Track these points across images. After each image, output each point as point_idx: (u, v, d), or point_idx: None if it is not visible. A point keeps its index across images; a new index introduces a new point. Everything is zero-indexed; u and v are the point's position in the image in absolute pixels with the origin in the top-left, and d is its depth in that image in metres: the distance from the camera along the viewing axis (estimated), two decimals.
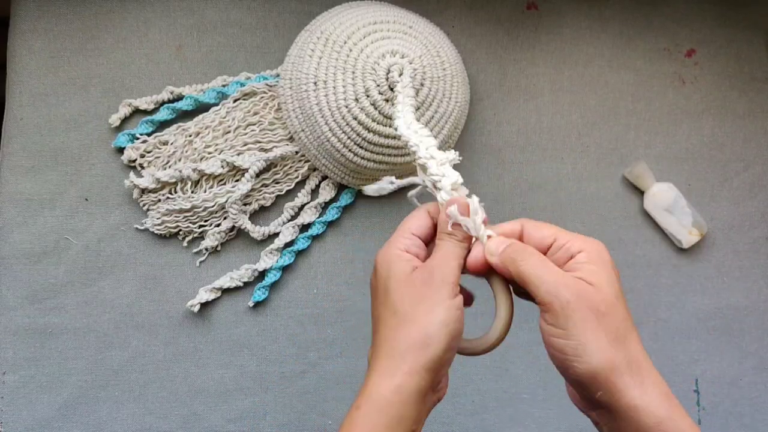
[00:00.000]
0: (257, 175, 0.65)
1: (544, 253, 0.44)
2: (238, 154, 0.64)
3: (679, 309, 0.72)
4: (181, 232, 0.65)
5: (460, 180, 0.47)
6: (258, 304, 0.66)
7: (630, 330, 0.42)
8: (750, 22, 0.75)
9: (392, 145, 0.63)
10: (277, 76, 0.66)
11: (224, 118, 0.65)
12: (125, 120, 0.65)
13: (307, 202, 0.67)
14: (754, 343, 0.73)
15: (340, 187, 0.68)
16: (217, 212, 0.65)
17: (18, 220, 0.63)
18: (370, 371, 0.43)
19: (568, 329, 0.41)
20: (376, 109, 0.61)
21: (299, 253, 0.67)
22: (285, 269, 0.67)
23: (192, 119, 0.65)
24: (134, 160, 0.64)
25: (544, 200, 0.71)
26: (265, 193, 0.66)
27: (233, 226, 0.65)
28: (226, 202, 0.64)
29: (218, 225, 0.65)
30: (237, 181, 0.65)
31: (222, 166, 0.64)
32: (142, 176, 0.64)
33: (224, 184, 0.65)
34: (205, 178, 0.64)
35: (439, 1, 0.70)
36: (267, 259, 0.66)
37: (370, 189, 0.50)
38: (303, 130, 0.64)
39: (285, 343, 0.66)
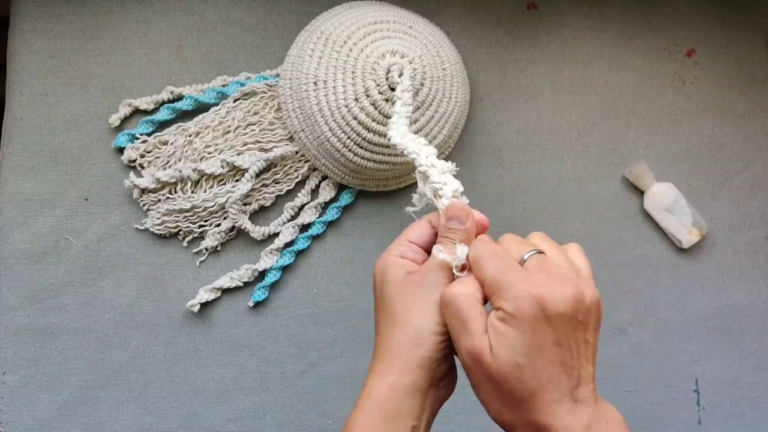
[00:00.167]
0: (257, 175, 0.65)
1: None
2: (238, 154, 0.64)
3: (679, 309, 0.72)
4: (181, 232, 0.65)
5: (461, 188, 0.48)
6: (258, 304, 0.66)
7: (537, 392, 0.40)
8: (750, 22, 0.75)
9: (392, 145, 0.63)
10: (277, 76, 0.66)
11: (224, 118, 0.65)
12: (125, 120, 0.65)
13: (307, 202, 0.67)
14: (754, 343, 0.73)
15: (340, 187, 0.68)
16: (217, 212, 0.65)
17: (18, 220, 0.63)
18: (369, 373, 0.45)
19: (474, 387, 0.44)
20: (376, 108, 0.61)
21: (299, 253, 0.67)
22: (285, 269, 0.67)
23: (192, 119, 0.65)
24: (134, 160, 0.64)
25: (544, 200, 0.71)
26: (265, 193, 0.66)
27: (233, 226, 0.65)
28: (226, 202, 0.64)
29: (218, 225, 0.65)
30: (237, 181, 0.65)
31: (222, 166, 0.64)
32: (142, 176, 0.64)
33: (224, 184, 0.65)
34: (205, 178, 0.64)
35: (439, 1, 0.69)
36: (267, 259, 0.66)
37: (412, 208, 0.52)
38: (303, 130, 0.64)
39: (285, 343, 0.66)
